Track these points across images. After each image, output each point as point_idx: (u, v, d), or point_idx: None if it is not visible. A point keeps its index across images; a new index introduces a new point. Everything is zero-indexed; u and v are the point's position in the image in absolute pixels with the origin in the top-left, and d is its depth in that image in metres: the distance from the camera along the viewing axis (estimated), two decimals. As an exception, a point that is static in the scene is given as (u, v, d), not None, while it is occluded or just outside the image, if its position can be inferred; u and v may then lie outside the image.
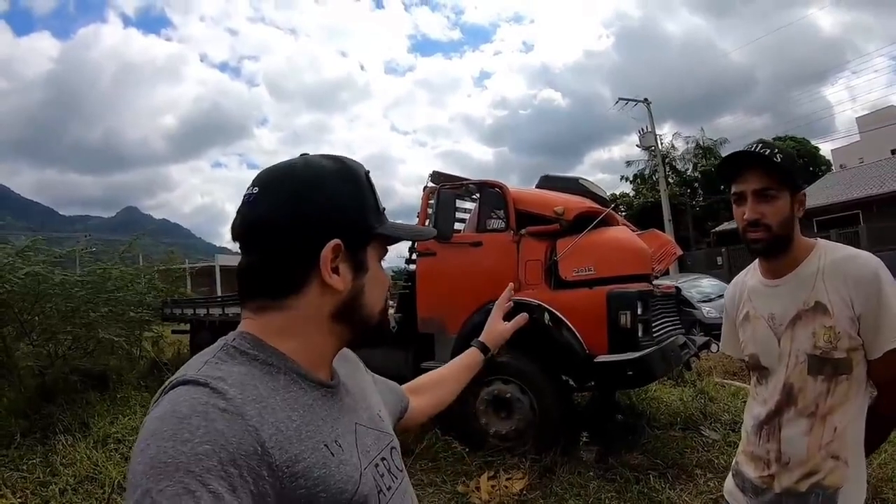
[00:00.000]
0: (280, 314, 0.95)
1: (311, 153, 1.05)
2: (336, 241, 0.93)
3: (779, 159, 1.72)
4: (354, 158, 1.05)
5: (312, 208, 0.94)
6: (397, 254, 6.76)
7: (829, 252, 1.77)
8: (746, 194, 1.76)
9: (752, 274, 1.96)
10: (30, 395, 7.21)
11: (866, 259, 1.72)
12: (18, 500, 4.62)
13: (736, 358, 2.11)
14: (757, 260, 1.92)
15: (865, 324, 1.67)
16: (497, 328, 1.82)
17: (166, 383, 0.85)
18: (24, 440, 5.95)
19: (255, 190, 0.96)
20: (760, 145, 1.76)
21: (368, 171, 1.04)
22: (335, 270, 0.94)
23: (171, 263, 17.36)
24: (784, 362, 1.78)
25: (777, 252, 1.79)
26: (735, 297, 2.02)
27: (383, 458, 1.04)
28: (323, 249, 0.92)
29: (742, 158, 1.79)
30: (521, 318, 1.86)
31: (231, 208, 1.03)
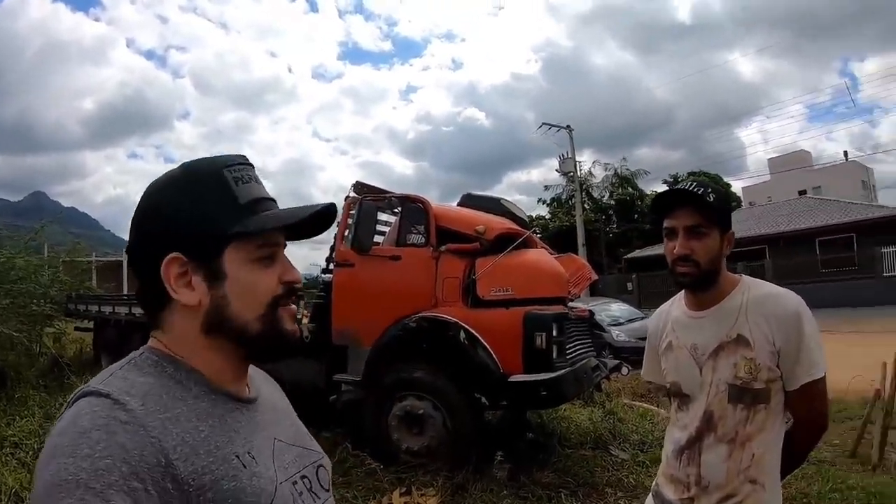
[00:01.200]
0: (165, 331, 0.93)
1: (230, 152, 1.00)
2: (173, 254, 0.89)
3: (712, 199, 1.78)
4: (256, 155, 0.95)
5: (151, 225, 0.93)
6: (311, 262, 6.68)
7: (752, 288, 1.85)
8: (678, 230, 1.81)
9: (676, 305, 2.02)
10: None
11: (788, 298, 1.81)
12: None
13: (656, 384, 2.16)
14: (682, 291, 1.97)
15: (785, 358, 1.74)
16: None
17: (71, 396, 0.84)
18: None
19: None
20: (695, 185, 1.83)
21: (232, 165, 0.95)
22: (187, 284, 0.90)
23: (77, 255, 16.50)
24: (705, 391, 1.83)
25: (704, 286, 1.85)
26: (658, 326, 2.07)
27: (304, 477, 0.99)
28: (161, 265, 0.89)
29: (677, 195, 1.86)
30: None
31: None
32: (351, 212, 6.19)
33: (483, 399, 5.57)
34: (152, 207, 0.93)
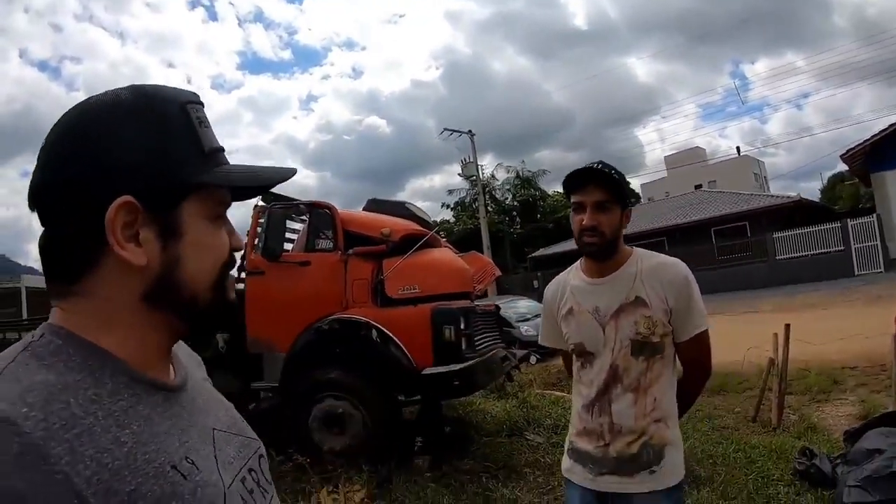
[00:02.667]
0: (84, 300, 0.72)
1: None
2: (125, 198, 0.70)
3: (617, 177, 2.08)
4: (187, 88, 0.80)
5: (90, 158, 0.71)
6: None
7: (645, 258, 2.14)
8: (586, 204, 2.05)
9: (573, 274, 2.25)
10: None
11: (678, 265, 2.12)
12: None
13: (556, 347, 2.39)
14: (579, 262, 2.24)
15: (677, 315, 2.04)
16: None
17: None
18: None
19: (43, 142, 0.75)
20: (602, 164, 2.08)
21: (192, 102, 0.79)
22: (132, 238, 0.71)
23: None
24: (609, 347, 2.07)
25: (606, 255, 2.10)
26: (556, 294, 2.29)
27: (251, 470, 0.85)
28: (107, 212, 0.69)
29: (586, 173, 2.09)
30: None
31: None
32: (260, 220, 6.25)
33: (400, 396, 5.79)
34: (90, 135, 0.72)
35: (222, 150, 0.82)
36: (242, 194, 0.87)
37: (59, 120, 0.75)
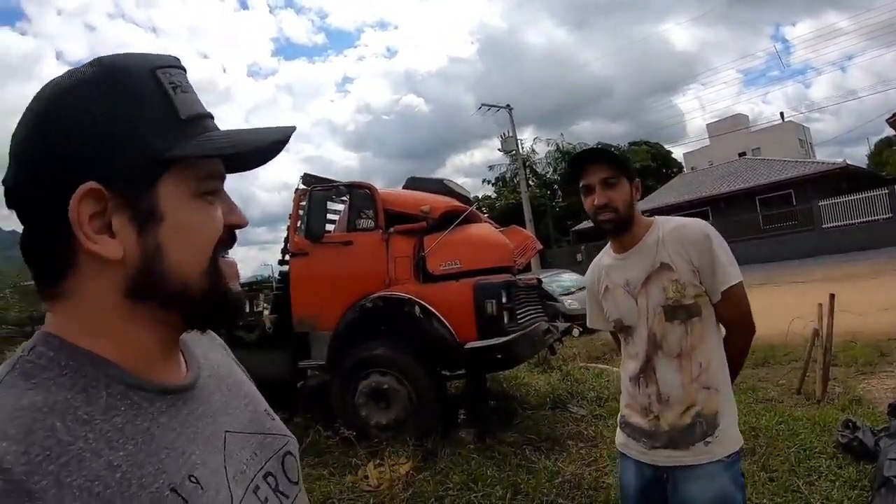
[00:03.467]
0: (70, 303, 0.66)
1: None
2: (88, 185, 0.62)
3: (617, 153, 2.12)
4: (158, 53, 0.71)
5: (51, 146, 0.64)
6: (262, 263, 6.75)
7: (664, 224, 2.13)
8: (594, 184, 2.08)
9: (605, 254, 2.28)
10: None
11: (696, 224, 2.10)
12: None
13: (604, 329, 2.40)
14: (609, 243, 2.25)
15: (703, 273, 2.01)
16: None
17: None
18: None
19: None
20: (600, 144, 2.15)
21: (165, 66, 0.70)
22: (104, 229, 0.65)
23: (26, 278, 16.24)
24: (644, 316, 2.08)
25: (624, 229, 2.11)
26: (595, 275, 2.32)
27: (268, 475, 0.78)
28: (70, 202, 0.62)
29: (586, 156, 2.13)
30: None
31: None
32: (301, 203, 6.39)
33: (444, 370, 5.88)
34: (51, 120, 0.64)
35: (208, 116, 0.72)
36: (239, 165, 0.76)
37: (27, 107, 0.67)
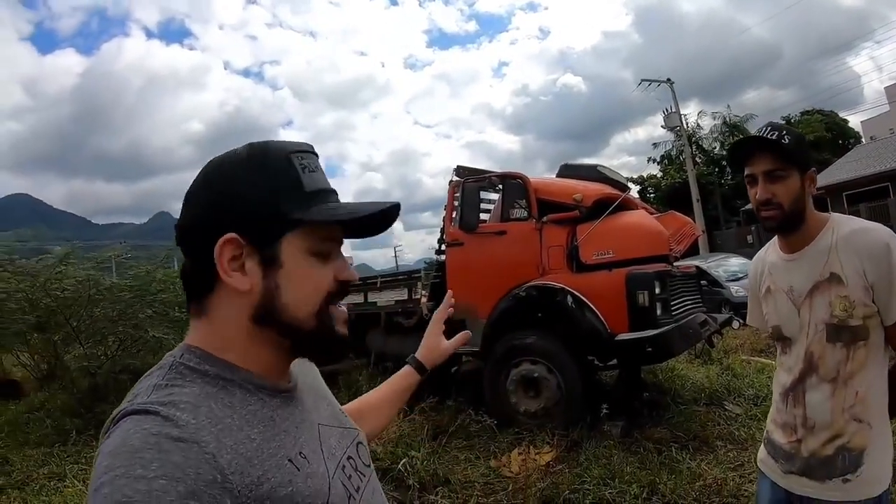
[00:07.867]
0: (208, 320, 0.90)
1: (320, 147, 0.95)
2: (229, 235, 0.85)
3: (787, 141, 1.81)
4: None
5: (209, 202, 0.89)
6: (429, 246, 6.99)
7: (841, 226, 1.84)
8: (757, 176, 1.86)
9: (771, 250, 2.04)
10: (81, 396, 7.58)
11: (878, 231, 1.79)
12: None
13: (762, 330, 2.18)
14: (776, 236, 2.00)
15: (879, 292, 1.74)
16: (435, 345, 1.60)
17: (115, 412, 0.80)
18: (80, 437, 6.28)
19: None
20: (769, 129, 1.85)
21: (298, 151, 0.93)
22: (240, 268, 0.87)
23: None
24: (804, 332, 1.86)
25: (791, 228, 1.88)
26: (757, 272, 2.11)
27: (349, 458, 1.00)
28: (215, 246, 0.85)
29: (751, 143, 1.90)
30: (463, 336, 1.64)
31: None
32: (455, 194, 6.58)
33: (594, 360, 5.89)
34: (212, 184, 0.90)
35: (331, 191, 0.94)
36: (357, 232, 1.00)
37: (199, 171, 0.93)
